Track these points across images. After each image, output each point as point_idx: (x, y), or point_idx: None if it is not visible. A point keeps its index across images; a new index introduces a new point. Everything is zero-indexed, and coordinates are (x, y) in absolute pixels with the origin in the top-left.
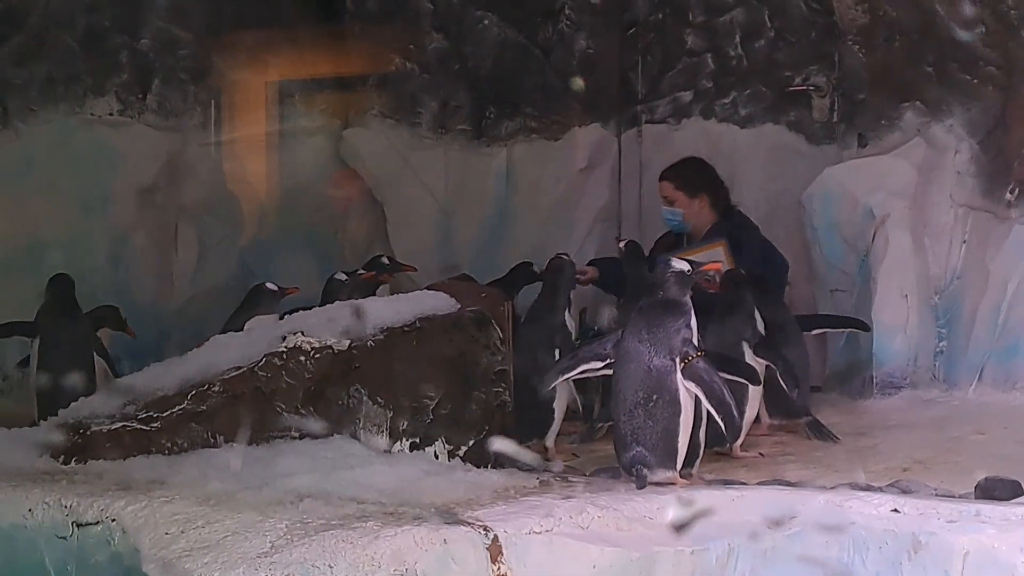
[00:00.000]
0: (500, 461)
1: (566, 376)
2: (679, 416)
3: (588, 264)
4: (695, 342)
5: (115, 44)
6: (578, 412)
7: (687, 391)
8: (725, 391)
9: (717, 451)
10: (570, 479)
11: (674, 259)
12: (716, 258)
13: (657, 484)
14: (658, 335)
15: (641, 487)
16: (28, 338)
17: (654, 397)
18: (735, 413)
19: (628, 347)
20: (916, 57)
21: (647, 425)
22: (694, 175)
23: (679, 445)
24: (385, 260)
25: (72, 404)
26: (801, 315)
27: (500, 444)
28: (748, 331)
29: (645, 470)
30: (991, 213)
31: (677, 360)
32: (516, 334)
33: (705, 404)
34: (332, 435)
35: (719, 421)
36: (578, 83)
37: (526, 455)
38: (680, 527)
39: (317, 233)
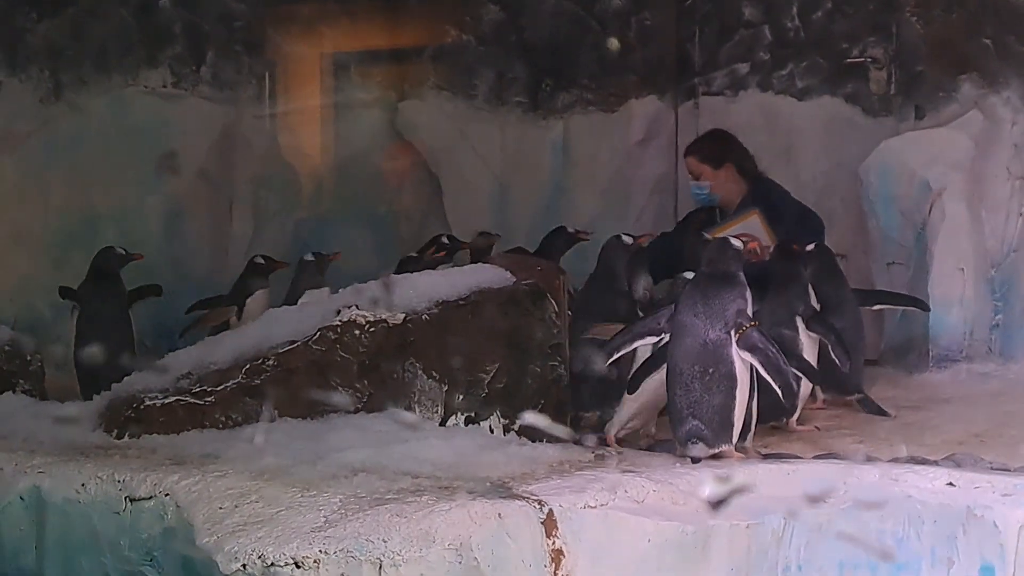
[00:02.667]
0: (532, 434)
1: (621, 352)
2: (735, 389)
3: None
4: (749, 313)
5: (168, 16)
6: None
7: (743, 363)
8: (781, 359)
9: (773, 425)
10: (626, 453)
11: (731, 238)
12: (752, 228)
13: (713, 458)
14: (713, 308)
15: (697, 461)
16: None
17: (710, 370)
18: (792, 381)
19: (683, 321)
20: (974, 29)
21: (703, 399)
22: (716, 146)
23: (735, 418)
24: (445, 240)
25: (125, 378)
26: (860, 289)
27: (531, 418)
28: (801, 305)
29: (701, 444)
30: None
31: (732, 333)
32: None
33: (762, 372)
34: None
35: (776, 389)
36: (614, 43)
37: (558, 429)
38: (717, 503)
39: (373, 206)
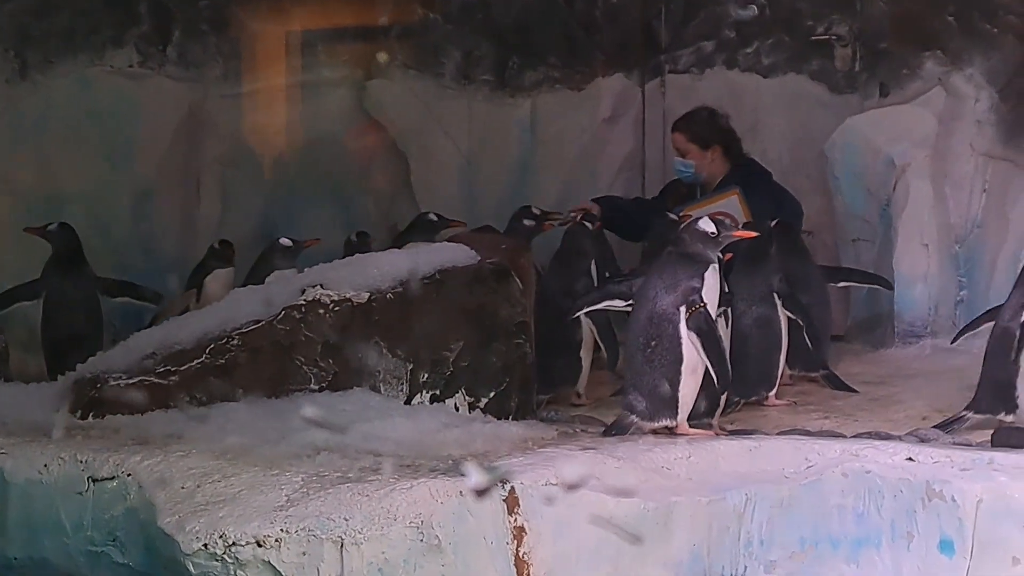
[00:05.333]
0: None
1: (589, 308)
2: (679, 364)
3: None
4: (702, 294)
5: None
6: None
7: (691, 341)
8: (722, 344)
9: (746, 402)
10: (589, 430)
11: (702, 220)
12: (731, 207)
13: (654, 432)
14: (668, 283)
15: (621, 433)
16: (31, 301)
17: (652, 343)
18: (729, 367)
19: (641, 293)
20: (937, 6)
21: (644, 371)
22: (706, 126)
23: (680, 394)
24: (433, 217)
25: (90, 359)
26: (826, 266)
27: (308, 410)
28: (777, 283)
29: (633, 416)
30: (1011, 162)
31: (682, 309)
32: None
33: (702, 355)
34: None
35: (711, 371)
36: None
37: (331, 422)
38: (481, 492)
39: (341, 185)
